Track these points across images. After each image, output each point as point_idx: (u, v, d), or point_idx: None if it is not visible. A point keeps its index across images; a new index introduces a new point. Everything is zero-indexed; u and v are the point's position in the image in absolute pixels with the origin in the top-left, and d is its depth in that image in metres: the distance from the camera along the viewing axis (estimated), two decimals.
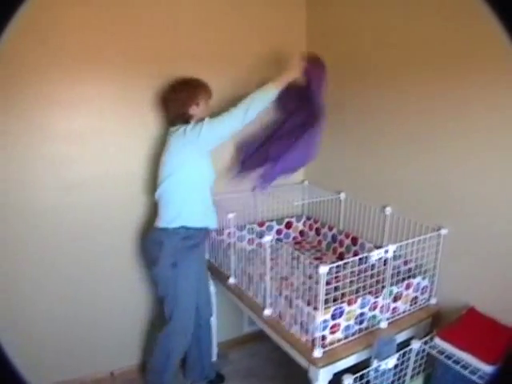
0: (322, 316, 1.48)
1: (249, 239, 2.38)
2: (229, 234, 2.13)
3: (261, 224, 2.47)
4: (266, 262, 1.74)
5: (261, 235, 2.34)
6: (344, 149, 2.31)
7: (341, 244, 2.29)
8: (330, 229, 2.38)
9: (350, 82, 2.20)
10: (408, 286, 1.73)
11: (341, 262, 1.49)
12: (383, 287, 1.63)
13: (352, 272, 1.57)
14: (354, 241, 2.20)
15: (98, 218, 2.13)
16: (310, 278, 1.74)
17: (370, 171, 2.16)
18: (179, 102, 1.88)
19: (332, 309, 1.51)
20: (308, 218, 2.59)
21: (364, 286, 1.59)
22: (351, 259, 1.52)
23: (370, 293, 1.61)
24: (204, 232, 1.99)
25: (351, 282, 1.56)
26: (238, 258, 2.01)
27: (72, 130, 1.98)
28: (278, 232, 2.54)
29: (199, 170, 1.88)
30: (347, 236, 2.24)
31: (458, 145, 1.69)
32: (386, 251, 1.57)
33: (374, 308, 1.65)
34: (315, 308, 1.50)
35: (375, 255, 1.54)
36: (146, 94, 2.08)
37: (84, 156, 2.04)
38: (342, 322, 1.56)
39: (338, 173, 2.39)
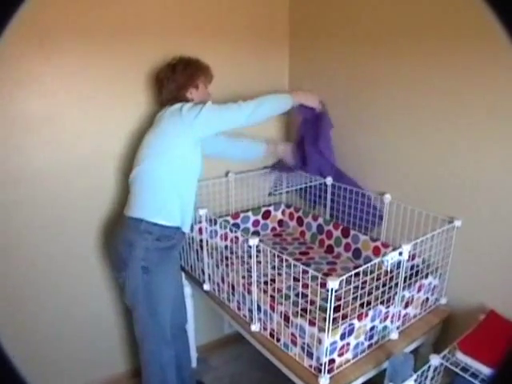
0: (329, 338, 1.20)
1: (222, 234, 2.05)
2: (200, 230, 1.80)
3: (235, 216, 2.15)
4: (253, 271, 1.42)
5: (235, 230, 2.01)
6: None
7: (329, 236, 2.01)
8: (315, 218, 2.09)
9: (342, 49, 1.89)
10: (420, 288, 1.48)
11: (353, 272, 1.19)
12: (395, 293, 1.37)
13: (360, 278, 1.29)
14: (345, 232, 1.92)
15: (56, 215, 1.76)
16: (298, 280, 1.46)
17: (363, 150, 1.87)
18: (177, 83, 1.66)
19: (341, 328, 1.23)
20: (287, 206, 2.29)
21: (374, 295, 1.32)
22: (363, 268, 1.22)
23: (381, 302, 1.34)
24: (181, 231, 1.66)
25: (355, 289, 1.28)
26: (214, 260, 1.69)
27: (23, 112, 1.60)
28: (255, 223, 2.22)
29: (191, 157, 1.61)
30: (336, 227, 1.96)
31: (472, 119, 1.43)
32: (401, 253, 1.30)
33: (385, 319, 1.39)
34: (319, 327, 1.21)
35: (390, 259, 1.26)
36: (116, 72, 1.75)
37: (37, 143, 1.65)
38: (352, 340, 1.29)
39: None
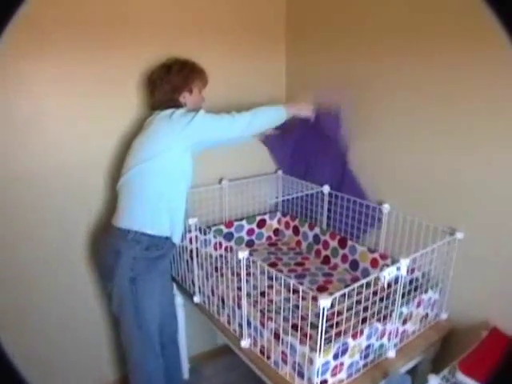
0: (321, 358, 1.13)
1: (215, 244, 1.97)
2: (190, 239, 1.73)
3: (229, 224, 2.08)
4: (242, 285, 1.35)
5: (226, 241, 1.94)
6: None
7: (325, 246, 1.94)
8: (311, 228, 2.02)
9: (339, 52, 1.83)
10: (419, 304, 1.41)
11: (347, 290, 1.12)
12: (393, 310, 1.30)
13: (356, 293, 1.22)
14: (342, 243, 1.85)
15: (42, 219, 1.69)
16: (293, 292, 1.38)
17: (361, 157, 1.80)
18: (171, 84, 1.59)
19: (334, 347, 1.15)
20: (283, 215, 2.22)
21: (370, 311, 1.25)
22: (357, 284, 1.15)
23: (378, 319, 1.27)
24: (170, 241, 1.60)
25: (350, 305, 1.21)
26: (205, 271, 1.62)
27: (17, 113, 1.55)
28: (249, 232, 2.15)
29: (181, 164, 1.54)
30: (333, 237, 1.89)
31: (472, 122, 1.37)
32: (398, 268, 1.22)
33: (382, 336, 1.31)
34: (311, 347, 1.14)
35: (387, 274, 1.19)
36: (112, 74, 1.70)
37: (27, 144, 1.59)
38: (346, 360, 1.21)
39: None
